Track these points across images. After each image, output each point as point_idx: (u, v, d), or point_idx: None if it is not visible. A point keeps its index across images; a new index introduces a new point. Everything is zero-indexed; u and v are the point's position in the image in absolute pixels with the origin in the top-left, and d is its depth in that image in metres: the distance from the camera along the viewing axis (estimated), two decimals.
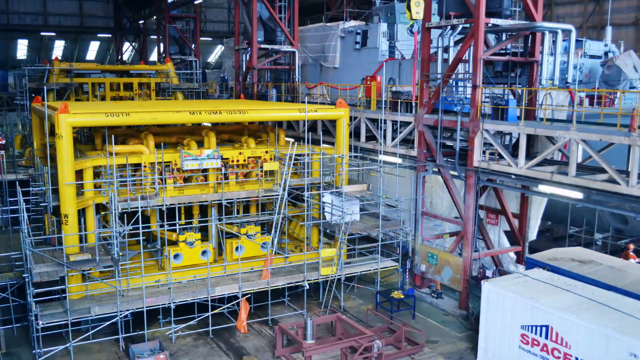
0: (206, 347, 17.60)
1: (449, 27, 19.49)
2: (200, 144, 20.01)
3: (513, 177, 17.96)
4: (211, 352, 17.32)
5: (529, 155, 17.91)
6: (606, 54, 25.84)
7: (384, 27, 28.49)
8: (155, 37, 50.46)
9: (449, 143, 20.62)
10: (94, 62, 55.71)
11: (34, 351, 16.33)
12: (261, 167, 20.01)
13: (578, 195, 16.30)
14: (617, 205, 15.72)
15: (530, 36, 19.72)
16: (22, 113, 35.58)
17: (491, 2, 18.64)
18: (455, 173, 19.95)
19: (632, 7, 33.01)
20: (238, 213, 20.93)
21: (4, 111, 37.95)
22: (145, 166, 18.69)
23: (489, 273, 19.73)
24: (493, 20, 18.50)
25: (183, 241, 18.96)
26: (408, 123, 21.79)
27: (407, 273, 22.11)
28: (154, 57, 56.55)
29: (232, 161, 19.90)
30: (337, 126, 21.31)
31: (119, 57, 56.60)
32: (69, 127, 16.69)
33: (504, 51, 20.62)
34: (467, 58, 19.18)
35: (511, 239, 21.53)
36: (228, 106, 20.75)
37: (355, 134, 24.06)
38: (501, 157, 18.32)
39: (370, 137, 24.05)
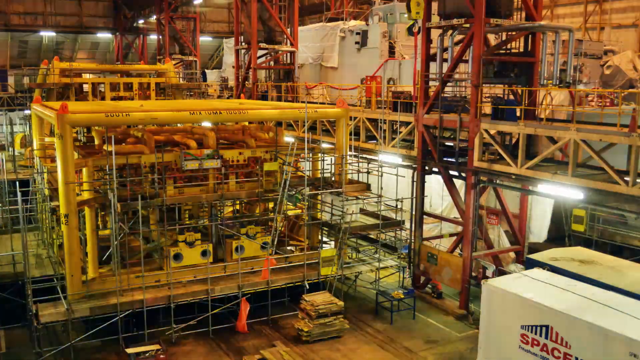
0: (206, 347, 17.61)
1: (449, 27, 19.49)
2: (200, 144, 20.01)
3: (513, 177, 17.96)
4: (211, 352, 17.32)
5: (529, 155, 17.91)
6: (606, 54, 25.84)
7: (384, 27, 28.48)
8: (155, 37, 50.49)
9: (449, 143, 20.62)
10: (94, 62, 55.72)
11: (34, 351, 16.33)
12: (261, 167, 19.99)
13: (578, 195, 16.31)
14: (617, 205, 15.71)
15: (530, 36, 19.73)
16: (22, 113, 35.62)
17: (491, 2, 18.63)
18: (455, 173, 19.95)
19: (632, 7, 33.02)
20: (238, 213, 20.93)
21: (4, 111, 37.94)
22: (145, 166, 18.68)
23: (489, 273, 19.72)
24: (493, 20, 18.50)
25: (183, 241, 18.96)
26: (408, 123, 21.79)
27: (407, 273, 22.11)
28: (153, 57, 56.56)
29: (232, 161, 19.90)
30: (337, 126, 21.31)
31: (119, 57, 56.63)
32: (69, 127, 16.68)
33: (504, 51, 20.62)
34: (467, 58, 19.19)
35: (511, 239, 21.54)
36: (228, 106, 20.75)
37: (355, 134, 24.06)
38: (501, 157, 18.32)
39: (370, 137, 24.06)
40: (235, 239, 19.96)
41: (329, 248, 20.44)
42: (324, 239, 22.17)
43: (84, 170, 17.92)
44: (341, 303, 18.24)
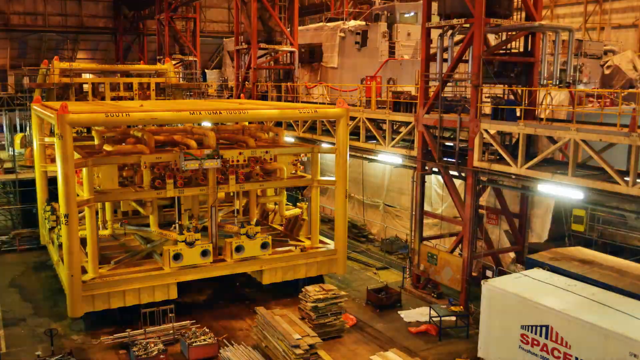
0: None
1: (449, 27, 19.48)
2: (200, 144, 20.00)
3: (513, 177, 17.96)
4: None
5: (529, 155, 17.91)
6: (606, 54, 25.85)
7: (384, 27, 28.49)
8: (156, 37, 50.50)
9: (449, 143, 20.61)
10: (94, 62, 55.69)
11: (36, 353, 16.32)
12: (261, 167, 19.97)
13: (578, 195, 16.31)
14: (617, 205, 15.71)
15: (530, 36, 19.73)
16: (22, 113, 35.60)
17: (491, 2, 18.63)
18: (455, 173, 19.94)
19: (632, 7, 33.05)
20: (238, 213, 20.92)
21: (4, 111, 37.90)
22: (145, 166, 18.67)
23: (489, 273, 19.71)
24: (493, 20, 18.49)
25: (183, 241, 18.95)
26: (408, 123, 21.78)
27: (407, 273, 22.12)
28: (154, 57, 56.51)
29: (232, 161, 19.89)
30: (337, 126, 21.31)
31: (119, 57, 56.60)
32: (69, 127, 16.68)
33: (504, 51, 20.60)
34: (467, 58, 19.18)
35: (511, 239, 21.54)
36: (228, 106, 20.75)
37: (355, 133, 24.05)
38: (501, 157, 18.32)
39: (370, 137, 24.06)
40: (236, 239, 19.95)
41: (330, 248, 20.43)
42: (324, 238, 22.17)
43: (84, 170, 17.91)
44: (342, 303, 18.24)
